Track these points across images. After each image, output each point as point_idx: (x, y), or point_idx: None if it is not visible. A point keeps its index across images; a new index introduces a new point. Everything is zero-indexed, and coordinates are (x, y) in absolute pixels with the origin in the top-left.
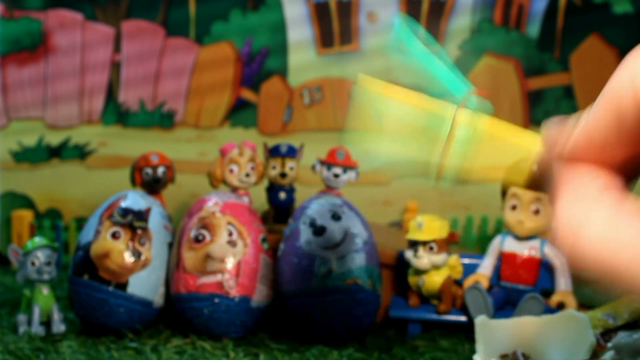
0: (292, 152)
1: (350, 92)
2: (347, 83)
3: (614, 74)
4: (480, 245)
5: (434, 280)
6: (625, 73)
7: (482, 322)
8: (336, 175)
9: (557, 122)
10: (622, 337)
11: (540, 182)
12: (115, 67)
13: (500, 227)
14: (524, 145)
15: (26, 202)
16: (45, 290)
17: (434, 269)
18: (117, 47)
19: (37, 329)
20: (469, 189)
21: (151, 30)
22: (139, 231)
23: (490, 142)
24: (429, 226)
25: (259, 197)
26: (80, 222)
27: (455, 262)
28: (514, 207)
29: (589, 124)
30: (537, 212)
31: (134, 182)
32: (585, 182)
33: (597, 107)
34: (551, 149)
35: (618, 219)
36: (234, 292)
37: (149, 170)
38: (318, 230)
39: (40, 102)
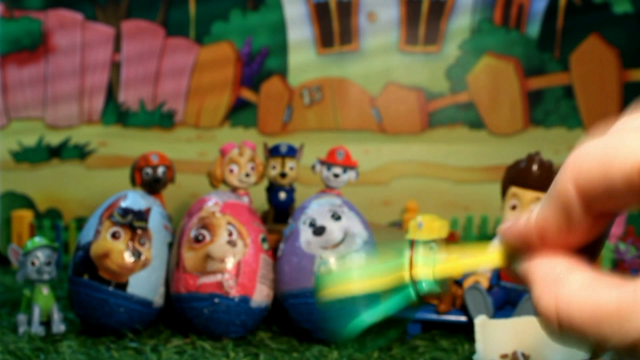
0: (292, 152)
1: (349, 93)
2: (347, 83)
3: (558, 174)
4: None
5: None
6: (566, 174)
7: (482, 322)
8: (336, 175)
9: (510, 223)
10: None
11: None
12: (115, 67)
13: None
14: (485, 259)
15: (26, 202)
16: (45, 290)
17: None
18: (117, 47)
19: (37, 329)
20: (469, 189)
21: (151, 30)
22: (139, 231)
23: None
24: (429, 226)
25: (259, 197)
26: (80, 222)
27: None
28: (514, 207)
29: (539, 225)
30: None
31: (134, 182)
32: (553, 264)
33: (544, 207)
34: (513, 245)
35: (593, 286)
36: (234, 292)
37: (149, 170)
38: (318, 230)
39: (40, 102)
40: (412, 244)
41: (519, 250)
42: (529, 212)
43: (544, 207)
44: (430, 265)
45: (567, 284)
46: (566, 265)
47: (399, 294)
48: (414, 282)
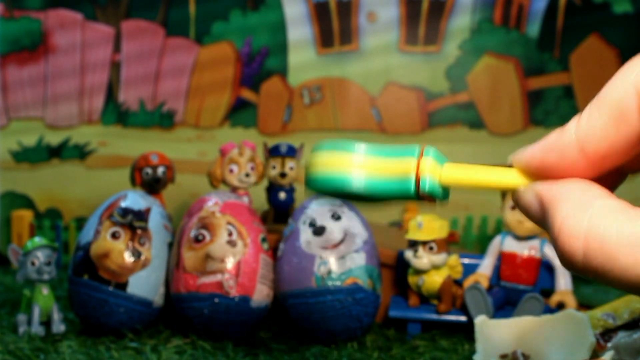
0: (292, 152)
1: (350, 92)
2: (347, 83)
3: (611, 81)
4: (480, 245)
5: (434, 280)
6: (627, 80)
7: (482, 322)
8: None
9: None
10: (622, 337)
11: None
12: (115, 67)
13: (500, 227)
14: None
15: (26, 202)
16: (45, 290)
17: (434, 269)
18: (117, 47)
19: (37, 329)
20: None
21: (151, 30)
22: (139, 231)
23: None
24: (429, 226)
25: (259, 197)
26: (80, 222)
27: (455, 262)
28: (514, 207)
29: (582, 133)
30: None
31: (133, 182)
32: (584, 190)
33: (592, 115)
34: (533, 168)
35: (630, 212)
36: (234, 292)
37: (149, 170)
38: (318, 230)
39: (40, 102)
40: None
41: (544, 169)
42: (562, 127)
43: (589, 112)
44: (440, 168)
45: (602, 206)
46: (600, 190)
47: (398, 184)
48: (417, 178)
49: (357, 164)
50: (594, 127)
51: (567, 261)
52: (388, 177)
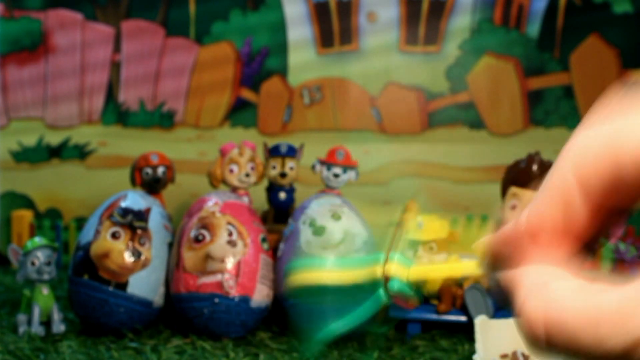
0: (292, 152)
1: (350, 92)
2: (347, 83)
3: (554, 167)
4: None
5: (434, 280)
6: (565, 167)
7: (482, 322)
8: (336, 175)
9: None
10: None
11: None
12: (115, 67)
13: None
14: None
15: (26, 202)
16: (45, 290)
17: None
18: (117, 47)
19: (37, 329)
20: (469, 189)
21: (151, 30)
22: (139, 231)
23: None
24: (429, 226)
25: (259, 197)
26: (80, 222)
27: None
28: (514, 207)
29: (532, 225)
30: None
31: (134, 182)
32: (542, 270)
33: (539, 206)
34: (498, 252)
35: (587, 290)
36: (234, 292)
37: (149, 170)
38: (318, 230)
39: (40, 102)
40: (391, 242)
41: (503, 258)
42: (517, 217)
43: (537, 204)
44: (405, 266)
45: (557, 288)
46: (556, 272)
47: (369, 298)
48: (386, 280)
49: (329, 276)
50: (543, 218)
51: (531, 343)
52: (359, 283)
